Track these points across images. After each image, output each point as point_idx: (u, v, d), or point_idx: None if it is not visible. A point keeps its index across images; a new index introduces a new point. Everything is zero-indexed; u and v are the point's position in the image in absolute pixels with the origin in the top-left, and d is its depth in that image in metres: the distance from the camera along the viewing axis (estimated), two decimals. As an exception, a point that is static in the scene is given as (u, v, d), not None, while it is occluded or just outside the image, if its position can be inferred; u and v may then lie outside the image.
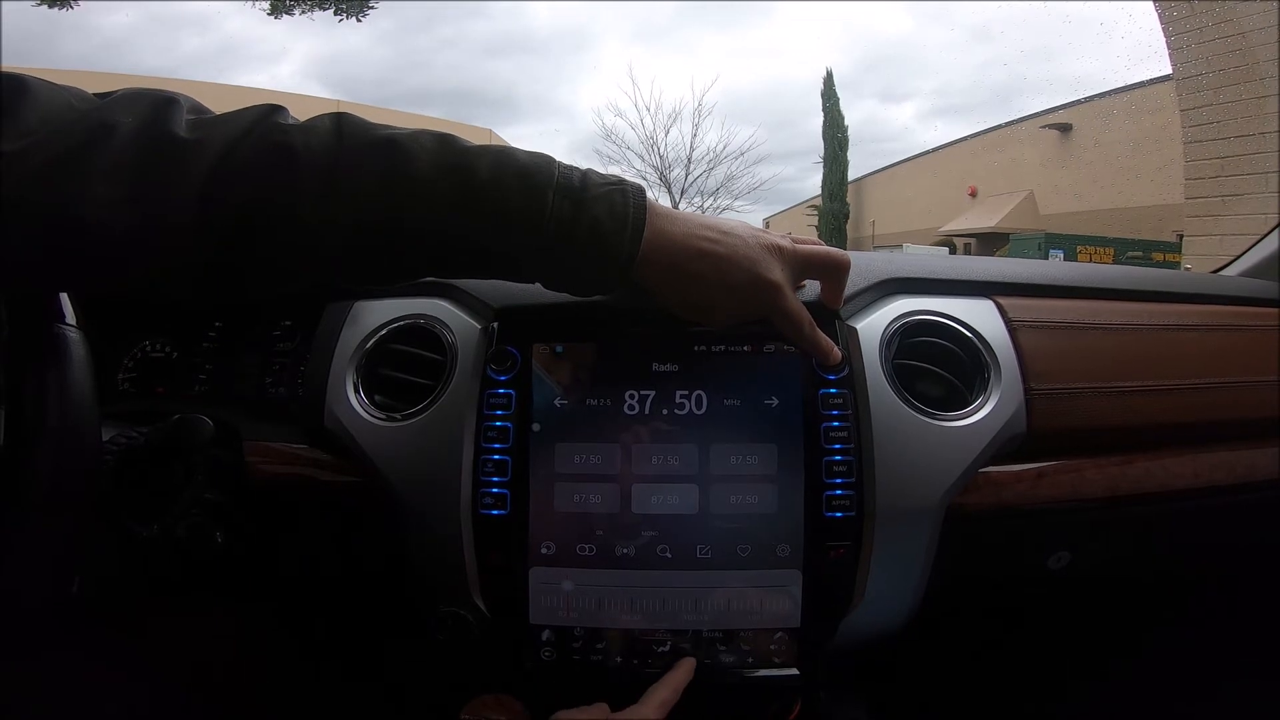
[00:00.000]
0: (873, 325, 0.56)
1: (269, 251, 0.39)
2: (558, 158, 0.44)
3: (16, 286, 0.38)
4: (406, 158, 0.40)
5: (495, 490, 0.52)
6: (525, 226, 0.41)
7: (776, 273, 0.47)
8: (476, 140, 0.43)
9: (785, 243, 0.48)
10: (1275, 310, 0.68)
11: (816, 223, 14.70)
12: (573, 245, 0.42)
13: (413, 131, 0.41)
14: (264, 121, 0.39)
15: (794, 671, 0.52)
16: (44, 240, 0.35)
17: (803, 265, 0.49)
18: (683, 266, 0.44)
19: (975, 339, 0.57)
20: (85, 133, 0.35)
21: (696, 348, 0.54)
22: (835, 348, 0.52)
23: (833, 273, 0.52)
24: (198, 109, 0.40)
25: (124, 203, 0.35)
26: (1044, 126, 10.04)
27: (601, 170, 0.45)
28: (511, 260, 0.44)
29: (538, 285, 0.47)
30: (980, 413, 0.54)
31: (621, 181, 0.44)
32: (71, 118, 0.36)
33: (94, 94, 0.39)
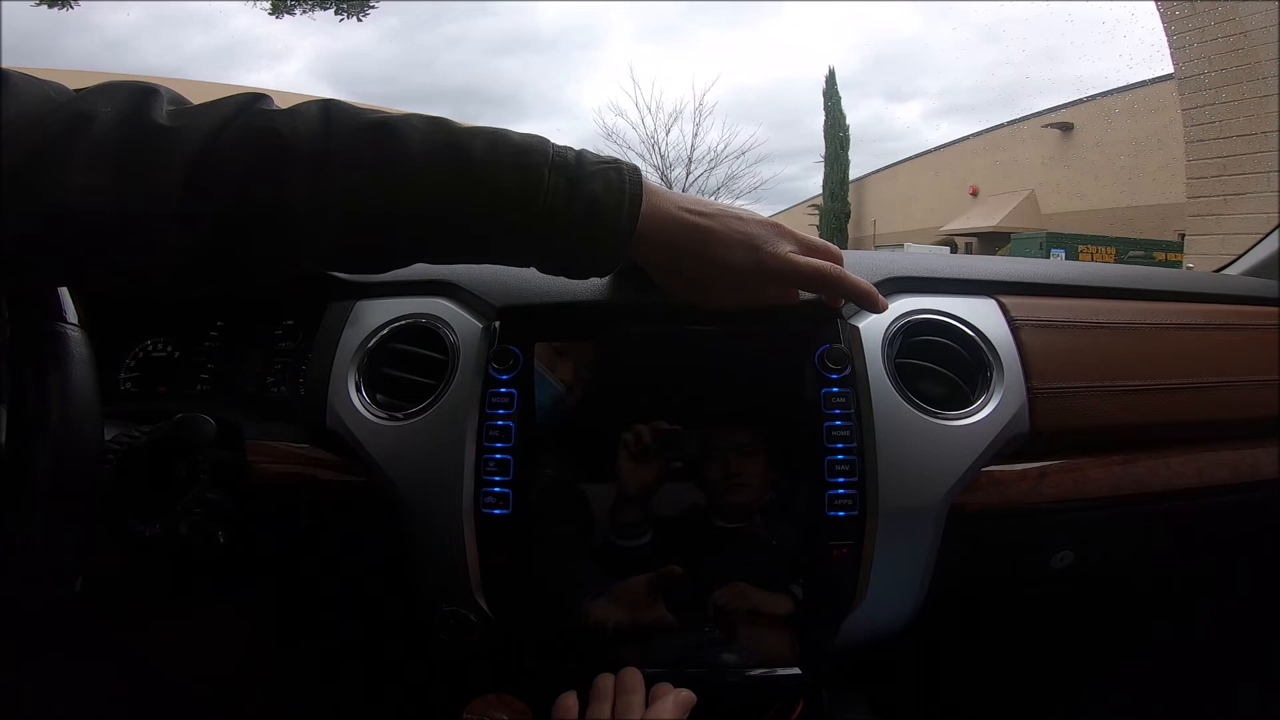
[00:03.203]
0: (875, 324, 0.56)
1: (259, 240, 0.38)
2: None
3: (3, 278, 0.38)
4: (398, 141, 0.39)
5: (497, 490, 0.52)
6: (521, 205, 0.40)
7: (780, 244, 0.47)
8: None
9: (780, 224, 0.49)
10: (1277, 309, 0.68)
11: (817, 221, 14.69)
12: (569, 222, 0.41)
13: (403, 114, 0.41)
14: (248, 109, 0.38)
15: (796, 671, 0.52)
16: (27, 230, 0.34)
17: (803, 243, 0.49)
18: (682, 244, 0.44)
19: (977, 338, 0.57)
20: (64, 122, 0.35)
21: (699, 346, 0.54)
22: (875, 290, 0.49)
23: (832, 259, 0.50)
24: (177, 100, 0.39)
25: (106, 191, 0.35)
26: (1045, 126, 10.03)
27: None
28: (507, 243, 0.43)
29: (539, 283, 0.47)
30: (983, 412, 0.54)
31: (617, 161, 0.43)
32: (49, 108, 0.36)
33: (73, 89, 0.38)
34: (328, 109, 0.40)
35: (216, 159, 0.36)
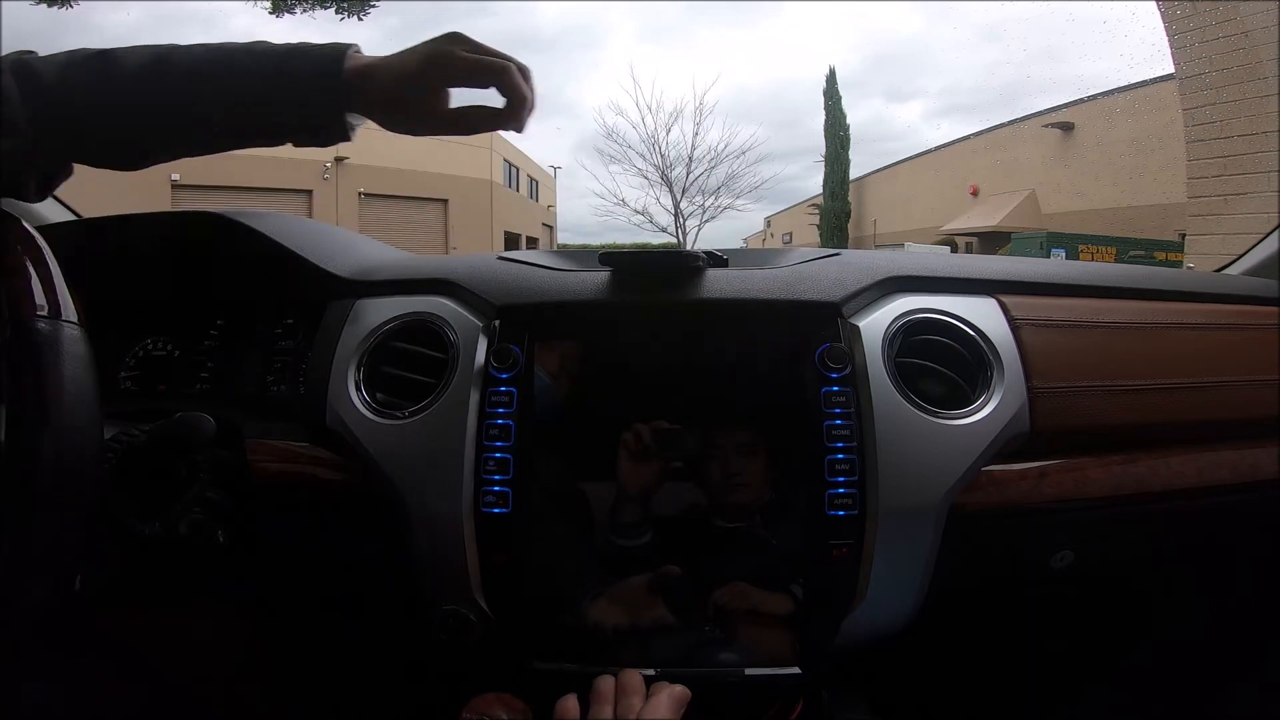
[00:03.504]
0: (875, 323, 0.56)
1: (52, 148, 0.47)
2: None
3: None
4: (117, 63, 0.46)
5: (497, 489, 0.52)
6: (233, 87, 0.46)
7: (447, 46, 0.49)
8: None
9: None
10: (1277, 309, 0.68)
11: (818, 221, 14.69)
12: (279, 91, 0.47)
13: (130, 46, 0.48)
14: (19, 58, 0.46)
15: (796, 671, 0.52)
16: None
17: (476, 45, 0.50)
18: (380, 80, 0.48)
19: (978, 337, 0.57)
20: None
21: (698, 346, 0.54)
22: (529, 98, 0.50)
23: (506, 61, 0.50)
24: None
25: None
26: (1046, 125, 10.02)
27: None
28: (232, 125, 0.48)
29: (538, 283, 0.47)
30: (983, 411, 0.54)
31: (337, 43, 0.49)
32: None
33: None
34: (72, 52, 0.47)
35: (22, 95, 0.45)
